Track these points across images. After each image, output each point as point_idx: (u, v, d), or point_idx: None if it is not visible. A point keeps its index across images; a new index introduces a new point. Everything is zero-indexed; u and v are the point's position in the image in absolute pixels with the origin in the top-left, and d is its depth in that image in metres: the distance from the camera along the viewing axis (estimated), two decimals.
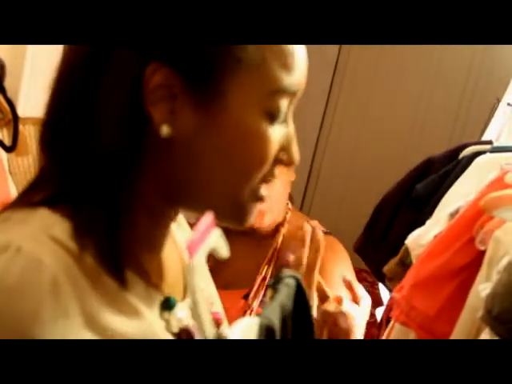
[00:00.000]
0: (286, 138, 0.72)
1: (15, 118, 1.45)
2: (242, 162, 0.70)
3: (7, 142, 1.48)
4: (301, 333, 0.88)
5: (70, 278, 0.62)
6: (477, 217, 1.08)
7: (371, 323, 1.39)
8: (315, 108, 3.76)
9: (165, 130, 0.66)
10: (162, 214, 0.75)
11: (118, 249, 0.67)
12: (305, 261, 1.20)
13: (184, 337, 0.74)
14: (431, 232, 1.20)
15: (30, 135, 1.76)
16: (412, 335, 1.17)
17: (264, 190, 0.73)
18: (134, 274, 0.69)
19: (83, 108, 0.67)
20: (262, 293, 1.41)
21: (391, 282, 1.35)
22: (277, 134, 0.70)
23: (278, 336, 0.80)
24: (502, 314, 0.79)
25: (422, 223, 1.28)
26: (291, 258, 1.35)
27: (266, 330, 0.76)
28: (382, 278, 1.44)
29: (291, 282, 0.90)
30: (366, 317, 1.18)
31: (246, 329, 0.75)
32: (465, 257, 1.09)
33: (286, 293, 0.86)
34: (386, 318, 1.33)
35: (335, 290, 1.18)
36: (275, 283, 0.90)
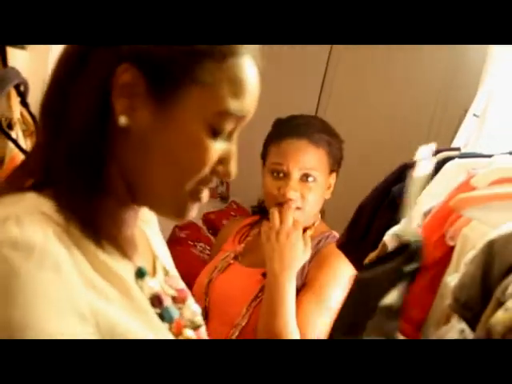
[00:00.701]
0: (227, 153, 0.78)
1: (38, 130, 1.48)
2: (181, 164, 0.76)
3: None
4: None
5: (60, 240, 0.67)
6: (447, 216, 1.08)
7: None
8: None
9: (122, 120, 0.73)
10: (127, 197, 0.80)
11: (96, 221, 0.73)
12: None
13: (155, 302, 0.79)
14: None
15: None
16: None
17: (206, 193, 0.80)
18: (110, 245, 0.75)
19: (64, 98, 0.74)
20: None
21: None
22: (217, 148, 0.76)
23: None
24: (468, 302, 0.81)
25: (399, 221, 1.27)
26: None
27: None
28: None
29: None
30: None
31: None
32: (436, 252, 1.09)
33: None
34: None
35: None
36: None
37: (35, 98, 1.64)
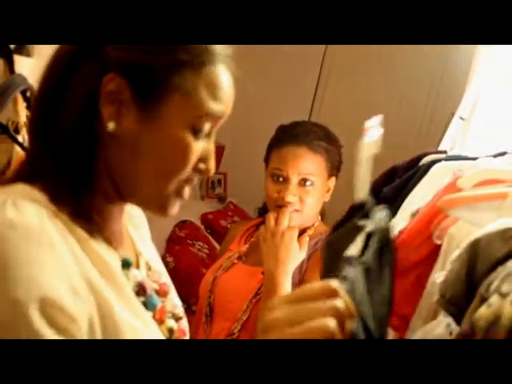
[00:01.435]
0: (206, 151, 0.81)
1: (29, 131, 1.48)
2: (166, 164, 0.79)
3: None
4: None
5: (53, 223, 0.69)
6: (434, 216, 1.10)
7: None
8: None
9: (110, 125, 0.75)
10: (114, 195, 0.81)
11: (84, 214, 0.75)
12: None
13: (140, 290, 0.81)
14: (396, 228, 1.20)
15: None
16: None
17: (188, 190, 0.82)
18: (98, 235, 0.77)
19: (55, 104, 0.76)
20: None
21: None
22: (198, 146, 0.79)
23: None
24: (454, 298, 0.81)
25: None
26: None
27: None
28: None
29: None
30: None
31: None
32: (424, 250, 1.11)
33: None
34: None
35: None
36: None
37: None
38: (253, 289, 1.58)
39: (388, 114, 3.18)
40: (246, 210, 3.63)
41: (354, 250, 0.68)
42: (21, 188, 0.74)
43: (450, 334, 0.89)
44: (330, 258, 0.73)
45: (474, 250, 0.82)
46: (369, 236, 0.70)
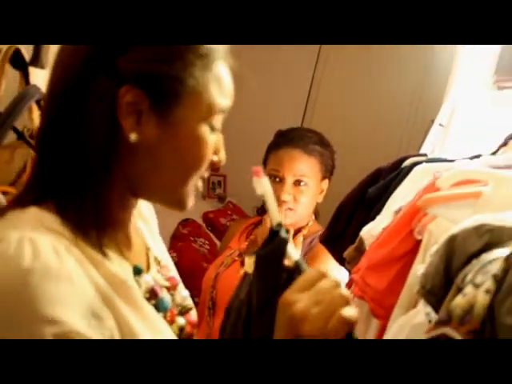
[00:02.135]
0: (217, 143, 0.81)
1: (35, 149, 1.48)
2: (188, 163, 0.77)
3: None
4: None
5: (70, 253, 0.66)
6: (415, 213, 1.09)
7: None
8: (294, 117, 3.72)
9: (133, 136, 0.72)
10: (128, 203, 0.80)
11: (99, 232, 0.72)
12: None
13: (152, 294, 0.79)
14: (380, 225, 1.22)
15: None
16: (366, 306, 1.19)
17: (201, 183, 0.81)
18: (110, 248, 0.74)
19: (72, 119, 0.72)
20: None
21: (350, 264, 1.37)
22: (212, 140, 0.78)
23: None
24: (433, 288, 0.81)
25: (373, 219, 1.30)
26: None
27: None
28: (343, 263, 1.46)
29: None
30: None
31: None
32: (406, 245, 1.11)
33: None
34: None
35: None
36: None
37: None
38: None
39: (374, 120, 3.21)
40: (243, 208, 3.65)
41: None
42: (33, 214, 0.70)
43: (430, 321, 0.88)
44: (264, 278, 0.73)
45: (451, 244, 0.82)
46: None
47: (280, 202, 1.61)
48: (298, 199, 1.62)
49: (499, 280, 0.66)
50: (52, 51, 1.86)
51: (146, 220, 0.94)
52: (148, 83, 0.72)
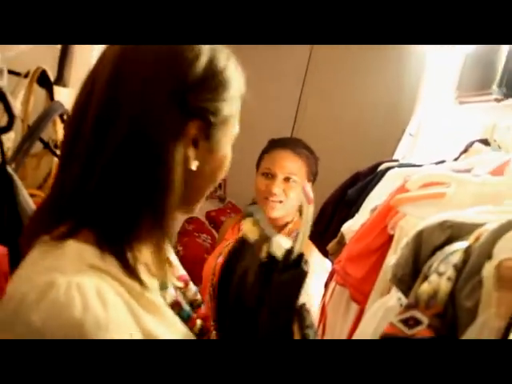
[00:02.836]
0: None
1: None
2: (217, 177, 0.76)
3: None
4: None
5: (113, 289, 0.62)
6: (388, 212, 1.10)
7: None
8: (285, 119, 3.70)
9: (194, 165, 0.69)
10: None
11: (133, 259, 0.65)
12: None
13: (175, 307, 0.74)
14: (359, 222, 1.23)
15: None
16: (347, 293, 1.21)
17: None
18: (142, 269, 0.68)
19: (144, 150, 0.64)
20: None
21: (332, 256, 1.37)
22: None
23: None
24: (403, 277, 0.81)
25: (353, 217, 1.31)
26: None
27: None
28: (326, 255, 1.46)
29: (257, 209, 0.86)
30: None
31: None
32: (381, 239, 1.11)
33: (261, 217, 0.83)
34: (329, 282, 1.35)
35: None
36: (249, 214, 0.86)
37: None
38: None
39: (356, 130, 3.20)
40: (242, 208, 3.65)
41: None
42: (73, 250, 0.62)
43: (401, 305, 0.89)
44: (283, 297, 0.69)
45: (419, 238, 0.82)
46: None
47: (271, 194, 1.64)
48: (288, 193, 1.65)
49: (459, 269, 0.66)
50: (74, 71, 1.86)
51: None
52: (208, 117, 0.69)
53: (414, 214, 1.01)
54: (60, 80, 1.78)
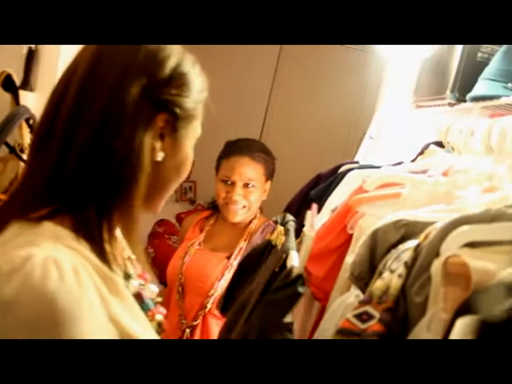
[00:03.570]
0: None
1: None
2: (182, 175, 0.77)
3: None
4: None
5: (86, 271, 0.62)
6: (348, 211, 1.11)
7: None
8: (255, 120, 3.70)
9: (160, 156, 0.71)
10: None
11: (104, 245, 0.67)
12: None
13: (138, 298, 0.76)
14: (320, 222, 1.23)
15: None
16: (309, 291, 1.20)
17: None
18: (110, 261, 0.69)
19: (113, 139, 0.66)
20: (239, 257, 1.60)
21: None
22: None
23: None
24: (360, 274, 0.83)
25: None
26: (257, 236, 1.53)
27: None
28: None
29: (292, 224, 0.96)
30: None
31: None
32: (341, 238, 1.12)
33: (292, 230, 0.90)
34: None
35: None
36: (284, 223, 0.90)
37: None
38: (220, 271, 1.63)
39: (321, 133, 3.23)
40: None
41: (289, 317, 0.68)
42: (50, 229, 0.64)
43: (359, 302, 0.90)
44: (265, 316, 0.69)
45: (374, 237, 0.83)
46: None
47: (232, 202, 1.66)
48: (248, 198, 1.67)
49: (409, 266, 0.67)
50: (41, 76, 1.82)
51: None
52: (176, 112, 0.72)
53: (371, 214, 1.02)
54: (26, 84, 1.75)
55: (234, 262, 1.61)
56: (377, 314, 0.65)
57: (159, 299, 0.85)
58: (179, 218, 3.39)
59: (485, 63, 1.30)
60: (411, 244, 0.72)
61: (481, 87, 1.26)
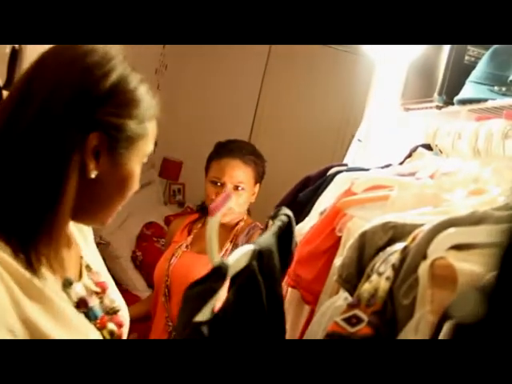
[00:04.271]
0: None
1: None
2: (126, 191, 0.79)
3: None
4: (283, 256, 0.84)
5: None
6: (336, 214, 1.11)
7: None
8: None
9: (93, 174, 0.72)
10: (68, 224, 0.77)
11: (33, 256, 0.68)
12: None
13: (81, 304, 0.76)
14: (308, 225, 1.23)
15: None
16: (298, 294, 1.21)
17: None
18: (44, 269, 0.70)
19: (42, 152, 0.67)
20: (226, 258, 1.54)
21: None
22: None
23: (267, 258, 0.74)
24: (348, 277, 0.83)
25: (303, 219, 1.32)
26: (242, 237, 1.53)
27: (257, 254, 0.74)
28: None
29: (284, 218, 0.90)
30: None
31: (240, 253, 0.71)
32: (329, 241, 1.11)
33: (278, 225, 0.86)
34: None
35: None
36: (273, 217, 0.89)
37: None
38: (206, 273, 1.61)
39: (311, 137, 3.23)
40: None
41: (202, 316, 0.62)
42: None
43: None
44: (184, 313, 0.64)
45: (362, 239, 0.83)
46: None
47: None
48: (237, 201, 1.67)
49: (397, 269, 0.68)
50: None
51: (80, 230, 0.90)
52: (112, 132, 0.72)
53: (360, 216, 1.03)
54: (9, 84, 1.72)
55: None
56: (365, 318, 0.65)
57: (118, 308, 0.85)
58: (168, 220, 3.38)
59: (472, 66, 1.31)
60: (399, 246, 0.73)
61: (467, 90, 1.27)
